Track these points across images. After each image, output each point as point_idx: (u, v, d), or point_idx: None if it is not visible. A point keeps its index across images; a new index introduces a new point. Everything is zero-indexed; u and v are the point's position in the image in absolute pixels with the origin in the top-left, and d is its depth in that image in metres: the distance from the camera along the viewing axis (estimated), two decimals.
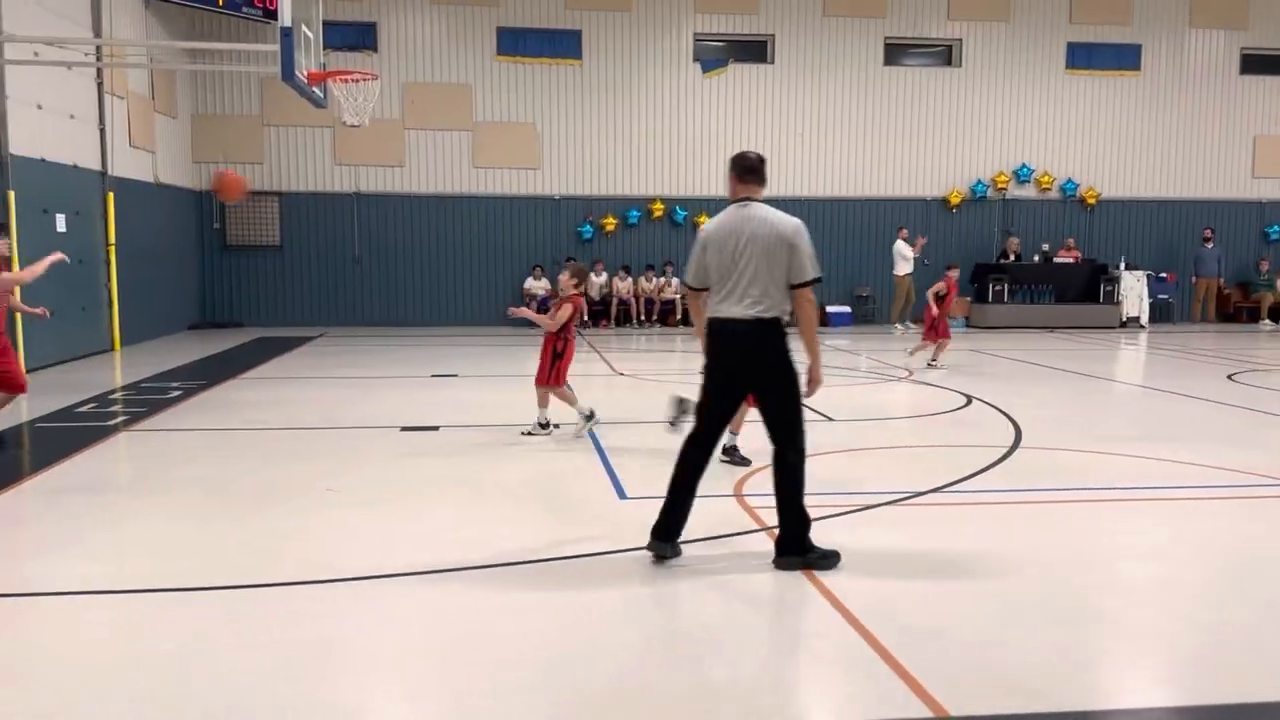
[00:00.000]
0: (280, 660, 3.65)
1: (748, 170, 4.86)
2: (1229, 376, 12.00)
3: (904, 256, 18.71)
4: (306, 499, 6.09)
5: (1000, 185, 20.44)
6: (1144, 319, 19.57)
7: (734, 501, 5.96)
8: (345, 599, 4.34)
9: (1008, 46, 20.31)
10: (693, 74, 19.85)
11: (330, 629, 3.96)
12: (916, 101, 20.25)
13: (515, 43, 19.50)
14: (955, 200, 20.35)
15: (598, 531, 5.32)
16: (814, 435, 7.96)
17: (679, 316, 19.40)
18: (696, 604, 4.30)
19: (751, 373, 4.75)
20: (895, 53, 20.42)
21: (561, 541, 5.11)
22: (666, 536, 4.79)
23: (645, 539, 4.87)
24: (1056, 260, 19.78)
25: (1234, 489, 6.36)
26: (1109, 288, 19.53)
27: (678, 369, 13.08)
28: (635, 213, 19.87)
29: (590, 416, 8.09)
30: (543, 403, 8.10)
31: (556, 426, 8.14)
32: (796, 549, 4.72)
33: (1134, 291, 19.61)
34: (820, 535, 4.85)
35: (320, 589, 4.45)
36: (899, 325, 18.54)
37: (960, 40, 20.33)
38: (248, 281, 19.08)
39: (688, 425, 5.01)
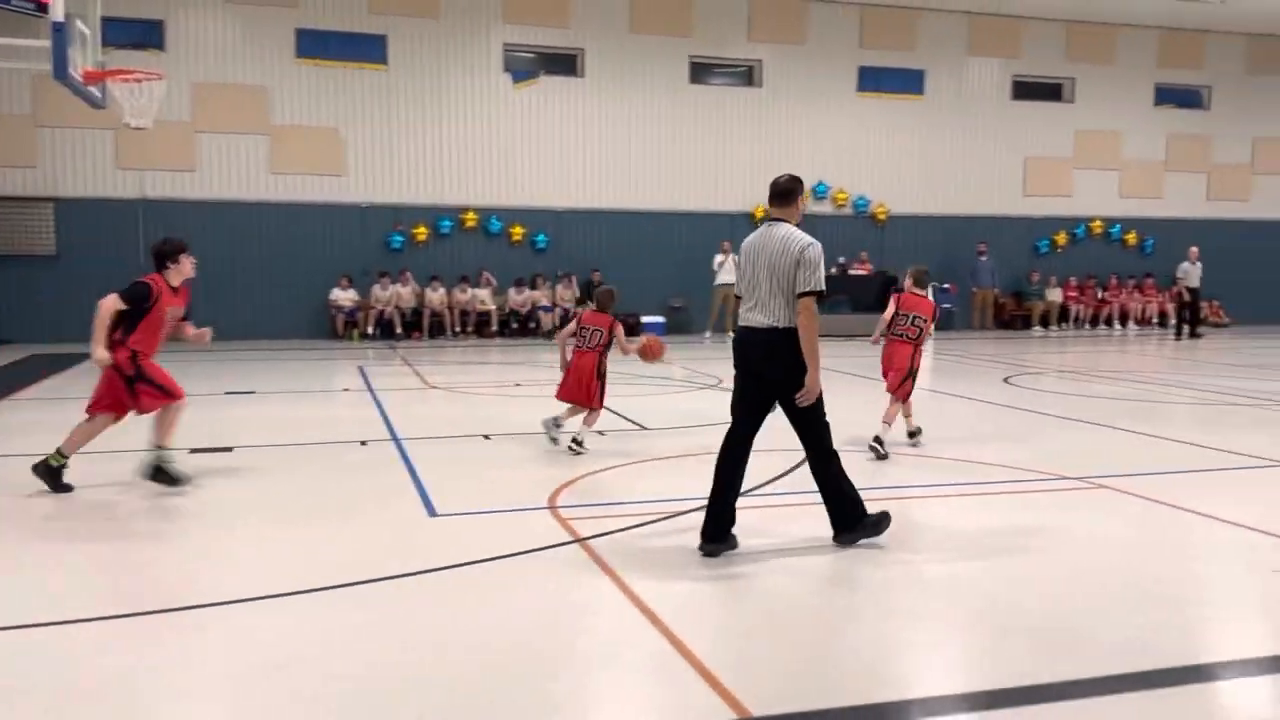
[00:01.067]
0: (83, 695, 3.34)
1: (774, 194, 5.32)
2: (1005, 379, 12.97)
3: (724, 268, 19.33)
4: (91, 527, 5.62)
5: None
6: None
7: (548, 514, 5.92)
8: (143, 632, 4.03)
9: (805, 68, 21.29)
10: (503, 84, 19.76)
11: (130, 662, 3.66)
12: (722, 119, 20.91)
13: (316, 45, 18.84)
14: (760, 215, 21.12)
15: (407, 551, 5.17)
16: (627, 444, 8.14)
17: (494, 328, 19.24)
18: (507, 621, 4.24)
19: (768, 377, 5.14)
20: (700, 71, 21.03)
21: (368, 562, 4.93)
22: (716, 538, 5.10)
23: (457, 556, 4.76)
24: (851, 272, 20.84)
25: (1010, 484, 6.85)
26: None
27: (493, 381, 12.94)
28: (447, 222, 19.56)
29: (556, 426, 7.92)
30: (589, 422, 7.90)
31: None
32: (851, 525, 5.24)
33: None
34: (635, 544, 4.89)
35: (117, 624, 4.11)
36: (710, 334, 19.16)
37: (761, 61, 21.15)
38: (17, 294, 17.52)
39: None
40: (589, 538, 5.33)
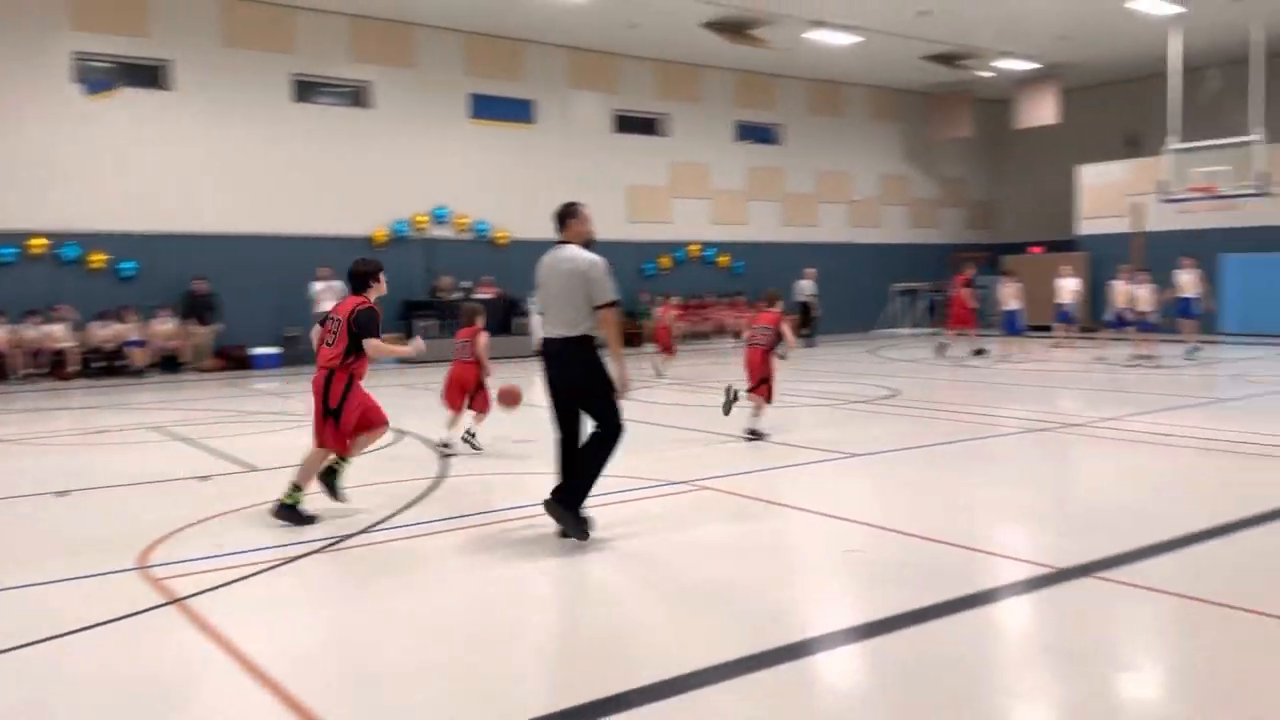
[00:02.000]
0: None
1: (557, 220, 6.07)
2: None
3: (323, 296, 18.50)
4: None
5: (420, 225, 21.12)
6: None
7: (137, 575, 5.26)
8: None
9: (416, 92, 21.12)
10: (76, 96, 17.63)
11: None
12: (333, 140, 20.16)
13: None
14: (381, 239, 20.58)
15: None
16: (231, 487, 7.49)
17: (74, 368, 16.99)
18: (90, 703, 3.67)
19: (568, 380, 5.78)
20: (306, 90, 20.13)
21: None
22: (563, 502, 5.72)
23: (16, 635, 4.07)
24: (475, 296, 20.93)
25: (626, 493, 7.15)
26: (521, 320, 21.19)
27: (73, 429, 11.40)
28: (10, 250, 17.05)
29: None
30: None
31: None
32: (571, 503, 5.67)
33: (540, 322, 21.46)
34: (242, 597, 4.46)
35: None
36: None
37: (370, 83, 20.68)
38: None
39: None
40: (187, 597, 4.80)
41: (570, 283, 5.74)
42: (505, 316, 21.09)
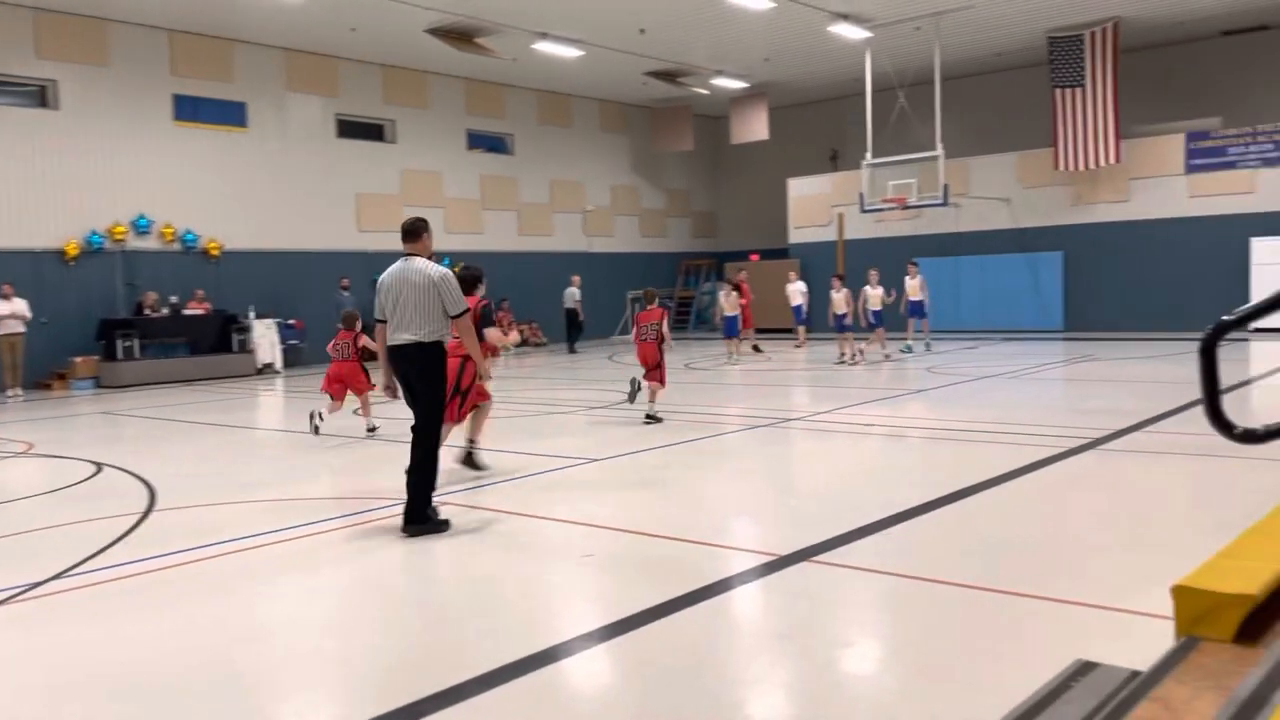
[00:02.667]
0: None
1: (405, 233, 6.54)
2: (355, 411, 13.09)
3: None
4: None
5: (119, 236, 19.34)
6: (278, 364, 20.39)
7: None
8: None
9: (111, 92, 19.33)
10: None
11: None
12: (11, 144, 18.06)
13: None
14: (73, 252, 18.64)
15: None
16: None
17: None
18: None
19: (414, 380, 6.30)
20: None
21: None
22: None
23: None
24: (186, 312, 19.47)
25: (370, 513, 6.87)
26: (241, 337, 19.92)
27: None
28: None
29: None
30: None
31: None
32: (418, 519, 6.17)
33: (266, 339, 20.31)
34: None
35: None
36: (11, 391, 16.43)
37: (56, 81, 18.71)
38: None
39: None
40: None
41: (424, 293, 6.25)
42: (222, 334, 19.74)
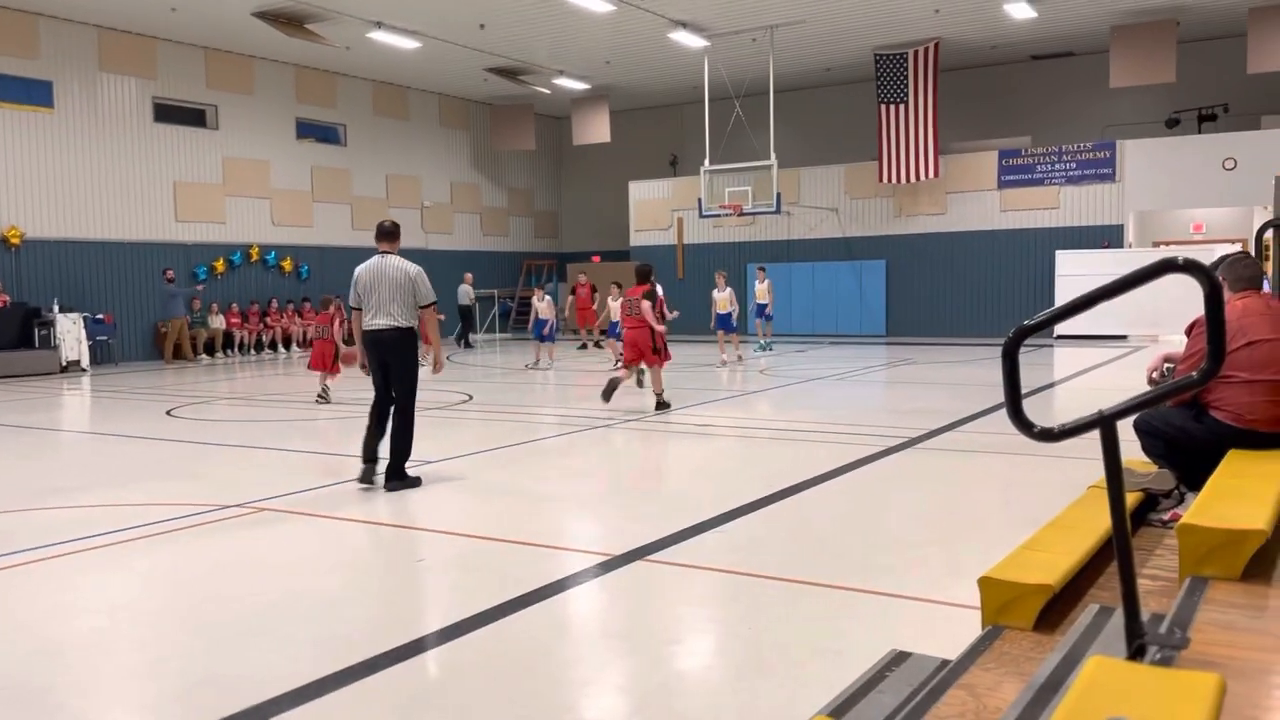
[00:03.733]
0: None
1: (382, 234, 7.52)
2: (168, 412, 12.38)
3: None
4: None
5: None
6: (84, 362, 19.04)
7: None
8: None
9: None
10: None
11: None
12: None
13: None
14: None
15: None
16: None
17: None
18: None
19: (391, 361, 7.30)
20: None
21: None
22: (371, 459, 7.35)
23: None
24: None
25: (177, 520, 6.48)
26: (44, 332, 18.52)
27: None
28: None
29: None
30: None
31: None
32: (399, 475, 7.30)
33: (72, 334, 18.94)
34: None
35: None
36: None
37: None
38: None
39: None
40: None
41: (400, 286, 7.28)
42: (22, 329, 18.29)
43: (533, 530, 6.16)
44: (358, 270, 7.44)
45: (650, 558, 5.39)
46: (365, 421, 7.52)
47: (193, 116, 22.61)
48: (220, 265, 22.77)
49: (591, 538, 6.20)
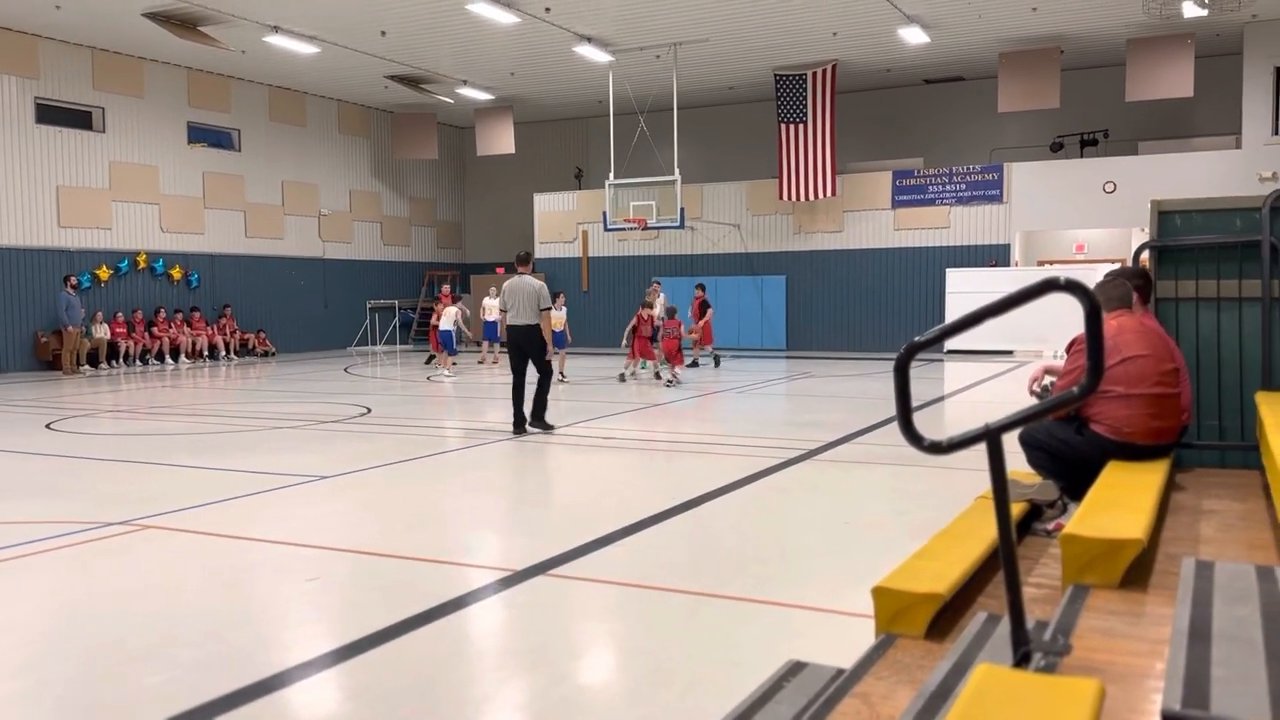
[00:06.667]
0: None
1: (521, 260, 11.03)
2: (48, 425, 11.81)
3: None
4: None
5: None
6: None
7: None
8: None
9: None
10: None
11: None
12: None
13: None
14: None
15: None
16: None
17: None
18: None
19: (525, 347, 10.65)
20: None
21: None
22: (520, 424, 10.64)
23: None
24: None
25: (55, 539, 6.17)
26: None
27: None
28: None
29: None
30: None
31: None
32: (541, 421, 10.75)
33: None
34: None
35: None
36: None
37: None
38: None
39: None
40: None
41: (530, 296, 10.53)
42: None
43: (432, 546, 6.06)
44: (505, 284, 10.74)
45: (552, 572, 5.35)
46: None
47: (78, 118, 21.68)
48: (104, 273, 21.84)
49: (493, 553, 6.13)
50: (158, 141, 23.13)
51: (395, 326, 28.79)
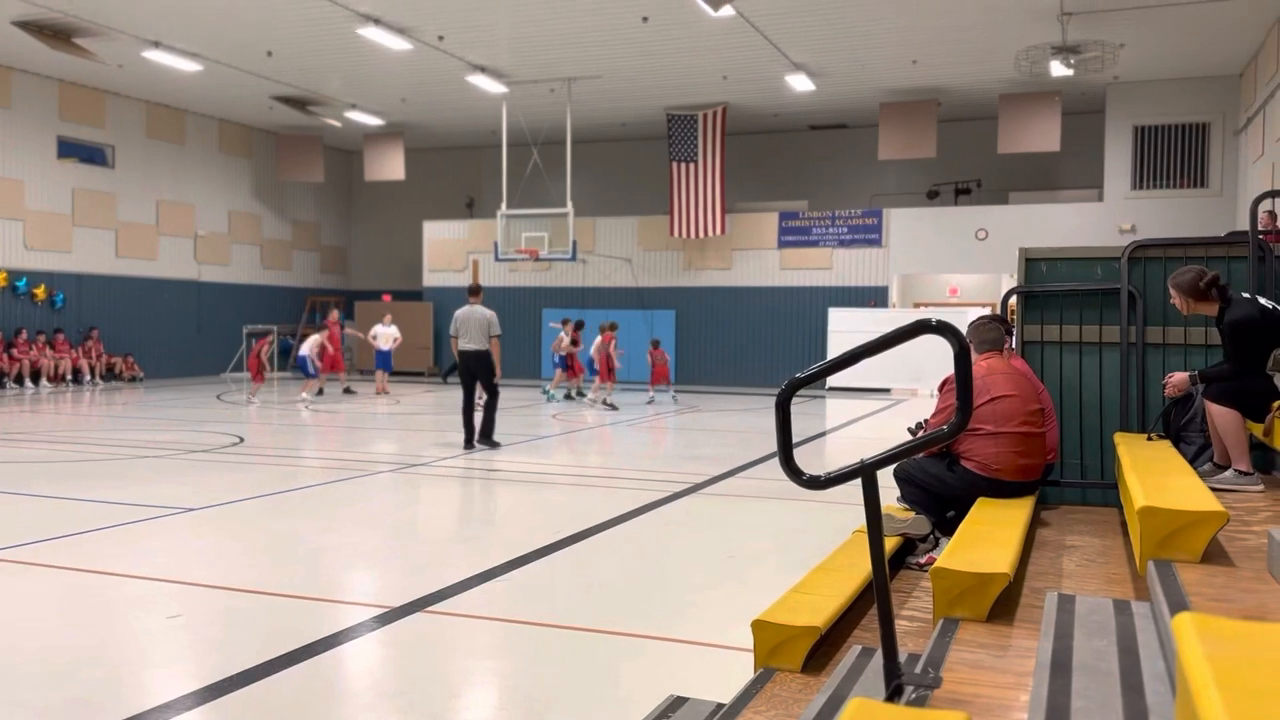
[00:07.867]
0: None
1: (472, 292, 12.25)
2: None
3: None
4: None
5: None
6: None
7: None
8: None
9: None
10: None
11: None
12: None
13: None
14: None
15: None
16: None
17: None
18: None
19: (476, 371, 11.71)
20: None
21: None
22: (470, 442, 11.71)
23: None
24: None
25: None
26: None
27: None
28: None
29: None
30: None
31: None
32: (489, 439, 11.80)
33: None
34: None
35: None
36: None
37: None
38: None
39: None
40: None
41: (481, 324, 11.65)
42: None
43: (305, 583, 5.85)
44: (457, 312, 11.87)
45: (431, 609, 5.23)
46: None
47: None
48: None
49: (369, 589, 5.95)
50: (24, 155, 21.99)
51: (274, 352, 27.92)
